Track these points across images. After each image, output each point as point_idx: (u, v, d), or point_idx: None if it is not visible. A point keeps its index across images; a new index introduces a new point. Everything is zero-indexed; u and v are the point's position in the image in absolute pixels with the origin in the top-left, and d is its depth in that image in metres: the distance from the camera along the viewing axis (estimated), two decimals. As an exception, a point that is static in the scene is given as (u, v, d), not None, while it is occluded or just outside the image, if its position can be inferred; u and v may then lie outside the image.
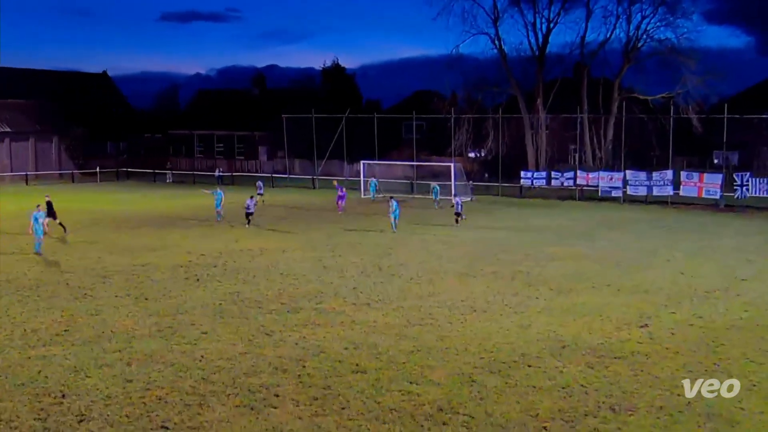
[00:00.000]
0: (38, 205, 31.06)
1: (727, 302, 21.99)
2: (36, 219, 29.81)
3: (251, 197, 39.37)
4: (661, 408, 13.78)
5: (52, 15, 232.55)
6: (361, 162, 58.76)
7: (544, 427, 12.99)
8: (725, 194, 48.11)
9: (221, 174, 72.53)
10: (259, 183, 53.48)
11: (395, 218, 36.25)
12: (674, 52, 58.16)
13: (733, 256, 30.07)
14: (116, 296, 22.74)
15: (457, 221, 38.62)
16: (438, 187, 49.54)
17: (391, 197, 38.00)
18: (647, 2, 59.74)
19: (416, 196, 55.03)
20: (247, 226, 37.16)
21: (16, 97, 79.11)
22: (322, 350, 17.23)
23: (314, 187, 64.48)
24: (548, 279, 25.27)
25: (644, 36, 60.08)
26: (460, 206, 39.44)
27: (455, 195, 44.03)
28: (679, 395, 14.32)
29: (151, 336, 18.45)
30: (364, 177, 56.40)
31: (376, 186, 53.67)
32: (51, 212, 34.78)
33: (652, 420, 13.28)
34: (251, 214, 37.98)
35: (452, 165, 53.65)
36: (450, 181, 52.37)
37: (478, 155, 69.42)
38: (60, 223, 34.67)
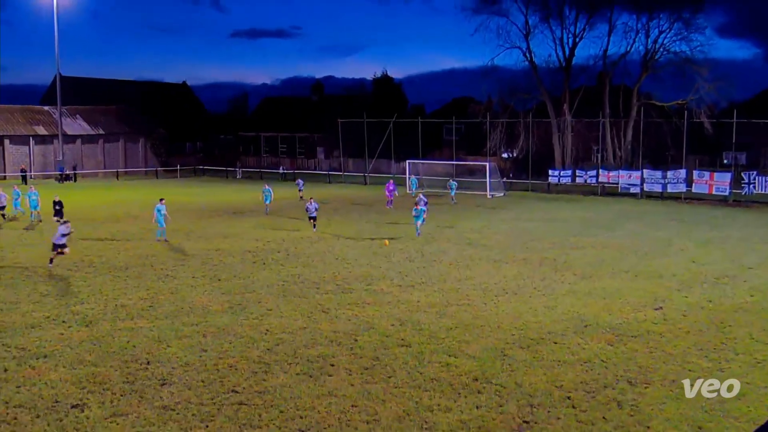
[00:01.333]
0: (161, 199, 31.29)
1: (735, 287, 21.54)
2: (159, 211, 30.34)
3: (310, 201, 34.29)
4: (673, 381, 13.59)
5: (139, 32, 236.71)
6: (407, 161, 58.61)
7: (568, 397, 12.90)
8: (734, 191, 47.05)
9: (284, 171, 73.17)
10: (299, 181, 52.75)
11: (416, 222, 31.91)
12: (688, 62, 57.07)
13: (740, 246, 29.40)
14: (193, 277, 23.05)
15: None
16: (455, 183, 48.84)
17: (417, 202, 33.79)
18: (664, 18, 58.78)
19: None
20: (314, 230, 32.80)
21: (109, 103, 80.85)
22: (372, 326, 17.29)
23: (365, 183, 64.51)
24: (573, 265, 24.99)
25: (661, 48, 59.14)
26: (424, 203, 34.48)
27: (422, 191, 39.70)
28: (690, 370, 14.11)
29: (223, 312, 18.69)
30: (408, 174, 56.25)
31: (417, 182, 53.42)
32: (59, 212, 33.86)
33: (665, 392, 13.11)
34: (314, 218, 33.28)
35: (487, 164, 53.40)
36: (485, 178, 52.09)
37: (511, 155, 68.89)
38: (58, 220, 33.83)
